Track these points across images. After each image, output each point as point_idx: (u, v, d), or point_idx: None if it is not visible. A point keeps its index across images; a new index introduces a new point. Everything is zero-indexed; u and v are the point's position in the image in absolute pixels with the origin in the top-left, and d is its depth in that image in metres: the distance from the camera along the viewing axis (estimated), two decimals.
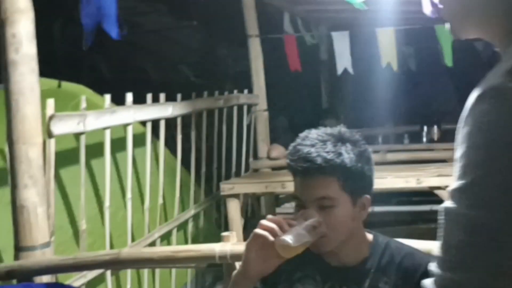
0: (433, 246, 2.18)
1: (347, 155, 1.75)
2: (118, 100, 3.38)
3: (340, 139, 1.79)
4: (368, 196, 1.79)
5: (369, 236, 1.85)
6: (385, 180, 3.71)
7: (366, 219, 1.81)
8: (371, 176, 1.80)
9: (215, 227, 4.70)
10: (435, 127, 6.41)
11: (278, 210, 5.00)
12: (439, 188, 3.69)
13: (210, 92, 4.41)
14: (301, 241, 1.62)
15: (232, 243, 2.30)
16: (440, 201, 4.31)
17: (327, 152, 1.73)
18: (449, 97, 7.75)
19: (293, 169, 1.78)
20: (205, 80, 7.82)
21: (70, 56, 7.04)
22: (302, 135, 1.84)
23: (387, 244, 1.83)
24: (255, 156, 5.17)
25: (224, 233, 2.38)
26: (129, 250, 2.53)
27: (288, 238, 1.60)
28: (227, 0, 5.30)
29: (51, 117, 2.65)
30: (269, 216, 1.66)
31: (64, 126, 2.73)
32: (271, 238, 1.60)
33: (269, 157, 5.05)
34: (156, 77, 7.53)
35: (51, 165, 2.67)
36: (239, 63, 7.54)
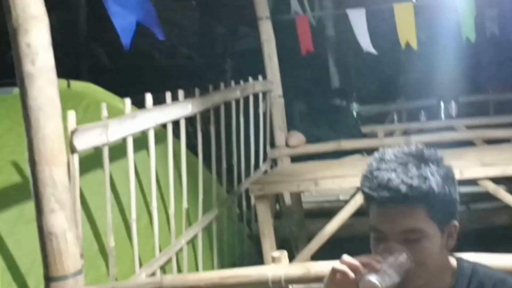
0: None
1: (433, 178, 1.52)
2: (122, 88, 3.10)
3: (422, 160, 1.56)
4: (456, 222, 1.57)
5: (453, 262, 1.64)
6: None
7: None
8: (457, 198, 1.58)
9: (238, 224, 4.50)
10: (453, 102, 6.20)
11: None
12: (484, 178, 3.48)
13: (215, 77, 4.15)
14: (389, 282, 1.42)
15: (285, 266, 2.08)
16: None
17: (411, 177, 1.49)
18: (464, 71, 7.55)
19: (371, 198, 1.55)
20: (206, 59, 7.61)
21: (67, 44, 6.77)
22: (376, 156, 1.60)
23: (474, 270, 1.62)
24: (272, 145, 4.95)
25: (275, 254, 2.15)
26: (172, 278, 2.31)
27: (375, 279, 1.40)
28: None
29: (73, 132, 2.41)
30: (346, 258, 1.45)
31: (88, 139, 2.50)
32: (351, 274, 1.40)
33: (287, 145, 4.83)
34: (156, 61, 7.29)
35: (76, 184, 2.45)
36: (239, 41, 7.32)
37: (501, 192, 3.56)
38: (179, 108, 3.39)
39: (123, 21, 2.45)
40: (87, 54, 7.08)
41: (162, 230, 3.33)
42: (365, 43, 4.86)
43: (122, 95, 3.53)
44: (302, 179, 3.59)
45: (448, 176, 1.57)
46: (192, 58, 7.38)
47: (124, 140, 2.89)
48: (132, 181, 2.93)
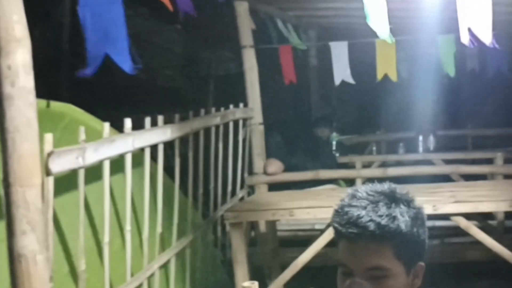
0: None
1: (402, 218, 1.55)
2: (104, 109, 3.11)
3: (393, 199, 1.58)
4: (422, 263, 1.60)
5: None
6: None
7: None
8: (425, 240, 1.60)
9: (212, 249, 4.49)
10: (431, 136, 6.26)
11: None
12: (457, 215, 3.52)
13: (197, 102, 4.18)
14: None
15: None
16: None
17: (380, 216, 1.52)
18: (444, 106, 7.64)
19: (340, 233, 1.57)
20: (189, 83, 7.63)
21: (48, 62, 6.75)
22: (349, 192, 1.63)
23: None
24: (250, 172, 4.97)
25: (245, 284, 2.16)
26: None
27: None
28: (212, 5, 5.09)
29: (49, 154, 2.41)
30: None
31: (64, 162, 2.50)
32: None
33: (265, 173, 4.85)
34: (139, 82, 7.29)
35: (49, 206, 2.44)
36: (223, 65, 7.37)
37: (472, 229, 3.61)
38: (158, 133, 3.41)
39: (94, 49, 2.47)
40: (68, 73, 7.07)
41: (135, 254, 3.32)
42: (344, 74, 4.92)
43: (103, 115, 3.54)
44: (277, 208, 3.60)
45: (417, 218, 1.59)
46: (176, 80, 7.41)
47: (101, 162, 2.89)
48: (106, 204, 2.92)
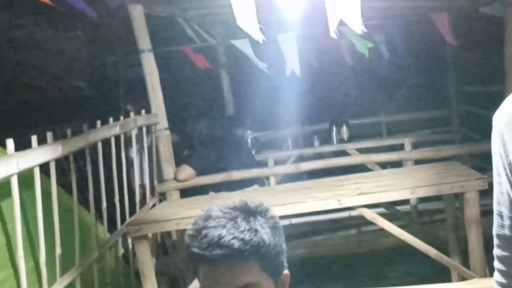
0: None
1: (263, 230, 1.52)
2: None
3: (249, 213, 1.55)
4: (287, 272, 1.57)
5: None
6: (305, 204, 3.49)
7: None
8: (285, 248, 1.59)
9: (123, 264, 4.35)
10: (344, 127, 6.29)
11: None
12: (361, 206, 3.52)
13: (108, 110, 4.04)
14: None
15: None
16: None
17: (243, 231, 1.47)
18: (354, 95, 7.72)
19: (201, 258, 1.49)
20: (97, 90, 7.42)
21: None
22: (202, 214, 1.57)
23: None
24: (160, 179, 4.85)
25: None
26: None
27: None
28: (111, 9, 4.94)
29: None
30: None
31: None
32: None
33: (176, 179, 4.74)
34: (42, 92, 7.04)
35: None
36: (132, 69, 7.19)
37: (378, 219, 3.62)
38: (48, 151, 3.24)
39: None
40: None
41: (32, 280, 3.16)
42: (291, 66, 4.90)
43: (6, 133, 3.36)
44: (181, 217, 3.50)
45: (276, 227, 1.57)
46: (81, 89, 7.18)
47: None
48: None
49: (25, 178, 3.10)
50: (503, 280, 1.32)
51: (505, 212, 1.29)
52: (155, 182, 4.86)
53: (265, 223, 1.53)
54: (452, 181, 3.53)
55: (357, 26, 2.48)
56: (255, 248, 1.47)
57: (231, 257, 1.45)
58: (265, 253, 1.48)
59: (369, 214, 3.60)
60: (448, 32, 5.10)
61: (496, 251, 1.34)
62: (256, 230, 1.49)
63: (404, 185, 3.62)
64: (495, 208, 1.33)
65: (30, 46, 6.39)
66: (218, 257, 1.45)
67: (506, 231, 1.29)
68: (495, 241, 1.34)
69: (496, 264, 1.35)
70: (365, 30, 2.49)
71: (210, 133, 5.35)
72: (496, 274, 1.34)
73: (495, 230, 1.34)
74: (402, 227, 3.82)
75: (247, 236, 1.47)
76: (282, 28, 4.91)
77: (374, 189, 3.61)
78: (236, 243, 1.45)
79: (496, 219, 1.33)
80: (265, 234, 1.50)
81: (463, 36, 6.08)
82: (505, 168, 1.25)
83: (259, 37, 2.67)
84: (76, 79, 7.08)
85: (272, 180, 5.20)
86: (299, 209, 3.52)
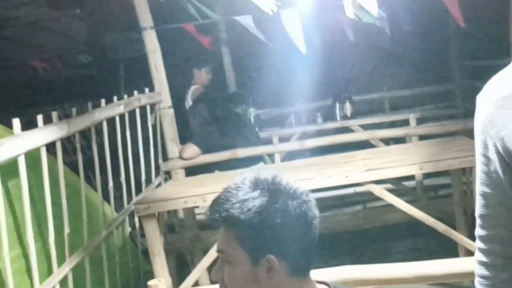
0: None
1: (251, 205, 1.50)
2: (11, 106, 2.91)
3: (255, 186, 1.54)
4: (271, 256, 1.51)
5: None
6: (313, 181, 3.47)
7: None
8: (282, 234, 1.52)
9: (131, 243, 4.35)
10: (347, 103, 6.26)
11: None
12: (369, 183, 3.50)
13: (109, 89, 4.01)
14: None
15: None
16: None
17: (231, 202, 1.51)
18: (356, 71, 7.67)
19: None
20: (99, 70, 7.37)
21: None
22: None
23: None
24: (165, 158, 4.83)
25: (151, 282, 2.06)
26: None
27: None
28: None
29: None
30: None
31: None
32: None
33: (181, 157, 4.72)
34: (42, 73, 6.99)
35: None
36: (133, 47, 7.14)
37: (385, 194, 3.61)
38: (54, 131, 3.22)
39: None
40: None
41: (41, 260, 3.16)
42: (298, 43, 4.82)
43: (12, 113, 3.33)
44: (189, 195, 3.49)
45: (287, 211, 1.53)
46: (84, 68, 7.13)
47: None
48: (1, 212, 2.74)
49: (30, 157, 3.08)
50: (485, 259, 1.33)
51: (490, 191, 1.29)
52: (160, 161, 4.84)
53: (272, 203, 1.51)
54: (460, 156, 3.51)
55: (373, 8, 2.43)
56: (232, 220, 1.50)
57: (213, 220, 1.54)
58: (245, 228, 1.50)
59: (377, 190, 3.59)
60: (458, 12, 5.00)
61: (479, 231, 1.35)
62: (241, 205, 1.50)
63: (412, 160, 3.61)
64: (478, 188, 1.34)
65: (29, 24, 6.34)
66: (209, 219, 1.55)
67: (491, 210, 1.30)
68: (478, 221, 1.36)
69: (479, 243, 1.36)
70: (383, 15, 2.44)
71: (212, 111, 5.32)
72: (478, 254, 1.36)
73: (477, 211, 1.35)
74: (408, 202, 3.81)
75: (231, 208, 1.50)
76: (285, 3, 4.83)
77: (382, 165, 3.60)
78: (218, 211, 1.52)
79: (479, 200, 1.34)
80: (247, 210, 1.49)
81: (466, 9, 6.02)
82: (495, 145, 1.24)
83: (268, 8, 2.61)
84: (76, 58, 7.02)
85: (277, 157, 5.18)
86: (308, 186, 3.48)
